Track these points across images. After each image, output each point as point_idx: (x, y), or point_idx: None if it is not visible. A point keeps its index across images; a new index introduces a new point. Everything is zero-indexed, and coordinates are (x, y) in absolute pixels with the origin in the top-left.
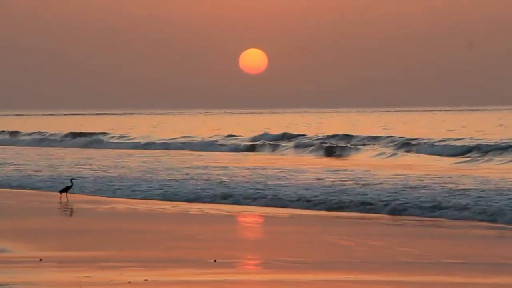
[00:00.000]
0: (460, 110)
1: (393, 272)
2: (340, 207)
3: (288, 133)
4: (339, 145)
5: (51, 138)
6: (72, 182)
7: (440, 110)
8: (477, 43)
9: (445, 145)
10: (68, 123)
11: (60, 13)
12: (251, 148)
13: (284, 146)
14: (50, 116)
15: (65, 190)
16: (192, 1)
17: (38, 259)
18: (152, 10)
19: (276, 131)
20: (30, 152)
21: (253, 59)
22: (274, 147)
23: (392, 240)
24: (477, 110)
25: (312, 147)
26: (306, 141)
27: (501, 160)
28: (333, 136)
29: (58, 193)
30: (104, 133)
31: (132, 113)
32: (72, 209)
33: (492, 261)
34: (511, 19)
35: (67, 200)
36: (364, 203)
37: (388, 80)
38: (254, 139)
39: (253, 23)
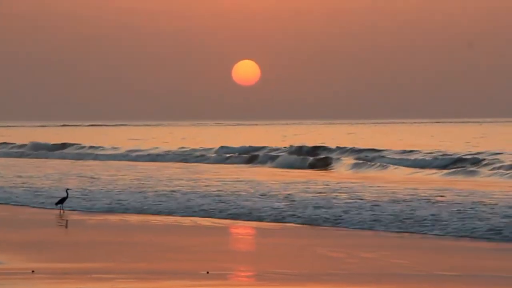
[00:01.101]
0: (453, 122)
1: (385, 284)
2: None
3: (246, 146)
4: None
5: (19, 150)
6: (67, 193)
7: (437, 122)
8: (476, 47)
9: (415, 158)
10: (58, 133)
11: (54, 21)
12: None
13: (258, 158)
14: (41, 127)
15: (61, 201)
16: (184, 14)
17: (30, 271)
18: (144, 22)
19: (246, 143)
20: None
21: (246, 71)
22: (250, 159)
23: (384, 252)
24: (472, 122)
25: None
26: (270, 153)
27: (466, 171)
28: (300, 148)
29: (54, 206)
30: (71, 144)
31: (124, 125)
32: (67, 221)
33: (484, 273)
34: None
35: (63, 212)
36: (348, 219)
37: (384, 91)
38: (215, 151)
39: (246, 34)
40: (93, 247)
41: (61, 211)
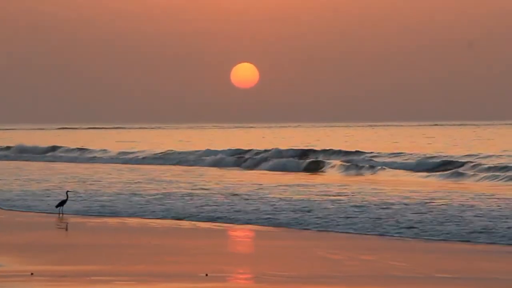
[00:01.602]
0: (453, 125)
1: (384, 286)
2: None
3: (232, 149)
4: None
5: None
6: (67, 195)
7: (435, 124)
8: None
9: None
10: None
11: (53, 27)
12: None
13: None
14: (38, 130)
15: (61, 204)
16: (182, 17)
17: (29, 273)
18: (142, 25)
19: (241, 146)
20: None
21: (245, 73)
22: (239, 162)
23: (382, 255)
24: (471, 125)
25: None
26: (256, 156)
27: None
28: (286, 151)
29: (54, 209)
30: (59, 147)
31: (123, 128)
32: (67, 223)
33: (483, 275)
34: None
35: (62, 215)
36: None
37: (384, 93)
38: (202, 153)
39: (244, 37)
40: (92, 250)
41: (60, 214)
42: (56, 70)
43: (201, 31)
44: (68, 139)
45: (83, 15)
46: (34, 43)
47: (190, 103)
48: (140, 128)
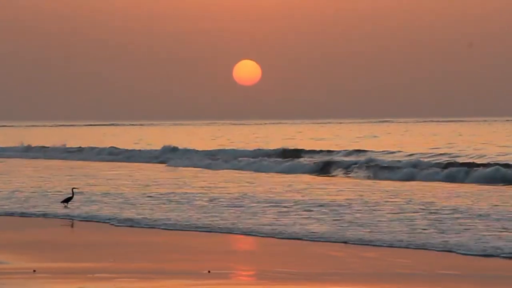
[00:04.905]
0: (448, 121)
1: (386, 284)
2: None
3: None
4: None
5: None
6: (73, 192)
7: (430, 121)
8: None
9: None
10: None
11: (53, 26)
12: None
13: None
14: (33, 127)
15: (67, 200)
16: (184, 14)
17: (32, 270)
18: (144, 24)
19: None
20: None
21: (247, 71)
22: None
23: (384, 251)
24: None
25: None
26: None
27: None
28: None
29: (60, 204)
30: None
31: (123, 124)
32: (73, 220)
33: (486, 272)
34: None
35: (67, 205)
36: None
37: (386, 91)
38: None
39: (246, 34)
40: (95, 247)
41: (65, 204)
42: (57, 70)
43: (203, 28)
44: (76, 136)
45: (83, 15)
46: (33, 42)
47: (192, 100)
48: (138, 125)
